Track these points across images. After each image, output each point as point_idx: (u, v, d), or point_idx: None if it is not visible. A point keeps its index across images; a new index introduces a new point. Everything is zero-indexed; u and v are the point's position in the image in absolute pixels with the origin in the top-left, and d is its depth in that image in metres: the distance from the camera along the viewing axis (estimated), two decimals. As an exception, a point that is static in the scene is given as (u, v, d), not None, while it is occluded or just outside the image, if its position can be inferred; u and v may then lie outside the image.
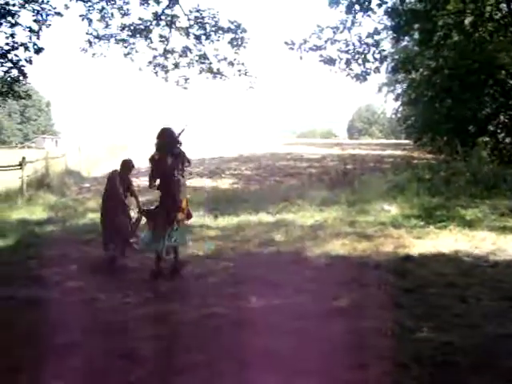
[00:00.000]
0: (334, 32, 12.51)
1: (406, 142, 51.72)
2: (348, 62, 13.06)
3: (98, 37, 11.91)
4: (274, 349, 4.33)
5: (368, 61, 13.08)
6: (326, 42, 12.37)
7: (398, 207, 11.47)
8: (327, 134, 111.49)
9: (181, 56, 12.38)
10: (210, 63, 12.45)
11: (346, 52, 12.84)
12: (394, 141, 65.56)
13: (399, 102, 50.40)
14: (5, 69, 11.31)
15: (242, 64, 12.46)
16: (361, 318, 5.14)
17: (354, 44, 12.70)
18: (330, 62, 12.60)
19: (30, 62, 11.27)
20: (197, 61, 12.31)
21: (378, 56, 13.21)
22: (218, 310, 5.43)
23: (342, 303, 5.64)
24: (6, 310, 5.59)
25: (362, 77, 13.84)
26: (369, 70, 13.43)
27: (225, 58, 12.45)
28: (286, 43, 12.00)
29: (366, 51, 12.90)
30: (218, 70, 12.53)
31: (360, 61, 13.07)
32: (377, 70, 13.94)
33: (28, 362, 4.24)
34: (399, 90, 55.00)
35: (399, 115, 51.81)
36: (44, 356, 4.32)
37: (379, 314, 5.24)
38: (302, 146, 45.44)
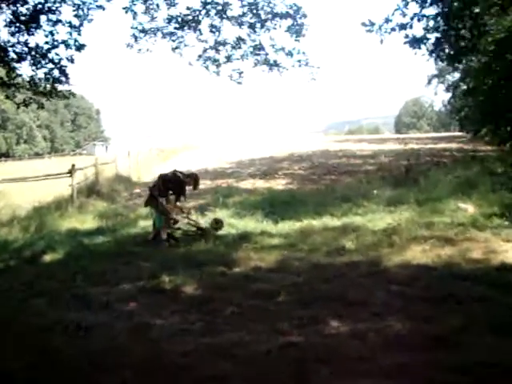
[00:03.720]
0: (422, 6, 10.72)
1: (458, 134, 49.81)
2: (438, 42, 11.29)
3: (143, 31, 11.08)
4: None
5: (463, 38, 11.28)
6: (411, 18, 10.75)
7: (474, 205, 10.32)
8: (374, 131, 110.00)
9: (233, 48, 11.33)
10: (266, 54, 11.36)
11: (436, 30, 11.21)
12: (444, 134, 63.47)
13: (450, 94, 48.66)
14: (46, 70, 10.67)
15: (303, 53, 11.34)
16: (471, 350, 4.17)
17: (446, 17, 10.69)
18: (417, 42, 10.91)
19: (71, 60, 10.62)
20: (251, 52, 11.28)
21: (476, 32, 11.22)
22: (295, 339, 4.56)
23: (441, 327, 4.66)
24: (52, 339, 4.88)
25: (454, 58, 12.32)
26: (464, 50, 11.64)
27: (282, 48, 11.38)
28: (363, 24, 10.60)
29: (460, 26, 10.96)
30: (274, 61, 11.41)
31: (452, 39, 11.26)
32: (474, 48, 12.18)
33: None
34: (450, 81, 53.34)
35: (449, 107, 50.12)
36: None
37: (493, 344, 4.25)
38: (351, 142, 44.21)
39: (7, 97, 12.14)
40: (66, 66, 10.74)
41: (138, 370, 4.09)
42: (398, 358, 4.05)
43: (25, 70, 12.61)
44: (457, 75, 51.42)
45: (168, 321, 5.25)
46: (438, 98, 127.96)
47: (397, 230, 8.48)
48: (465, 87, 40.16)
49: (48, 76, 10.54)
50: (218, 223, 9.62)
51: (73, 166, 15.87)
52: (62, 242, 9.46)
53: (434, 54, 12.46)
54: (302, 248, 7.88)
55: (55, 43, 10.46)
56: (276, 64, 11.49)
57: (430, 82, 59.92)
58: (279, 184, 19.56)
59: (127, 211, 14.45)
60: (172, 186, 9.70)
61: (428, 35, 11.25)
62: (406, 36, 10.84)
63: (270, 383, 3.87)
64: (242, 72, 11.82)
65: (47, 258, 8.40)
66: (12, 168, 42.87)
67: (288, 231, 9.26)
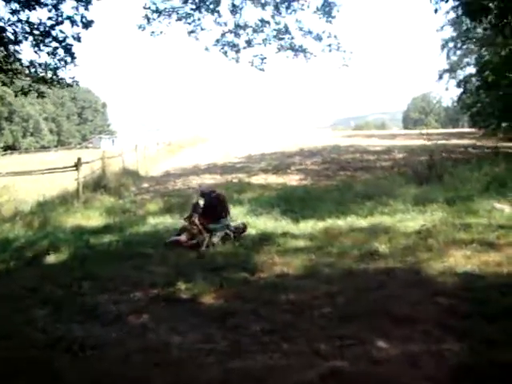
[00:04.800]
0: None
1: (467, 130, 48.79)
2: (502, 13, 10.13)
3: (157, 11, 10.21)
4: None
5: None
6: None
7: (510, 205, 9.59)
8: (381, 127, 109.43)
9: (255, 31, 10.36)
10: (292, 38, 10.44)
11: None
12: (453, 130, 62.57)
13: (461, 89, 47.71)
14: (49, 49, 9.69)
15: (335, 37, 10.41)
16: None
17: None
18: (478, 12, 9.80)
19: (78, 39, 9.67)
20: (274, 36, 10.34)
21: None
22: (340, 364, 3.86)
23: (510, 353, 3.95)
24: (53, 359, 4.20)
25: None
26: None
27: (310, 32, 10.47)
28: None
29: None
30: (301, 46, 10.47)
31: None
32: None
33: None
34: (461, 76, 52.40)
35: (460, 103, 49.18)
36: None
37: None
38: (361, 138, 43.38)
39: (3, 83, 11.15)
40: (71, 45, 9.86)
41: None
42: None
43: (25, 55, 11.53)
44: (468, 70, 50.63)
45: (187, 338, 4.55)
46: (446, 94, 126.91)
47: (432, 233, 7.73)
48: (477, 82, 39.44)
49: (52, 57, 9.60)
50: (245, 227, 8.90)
51: (79, 159, 15.21)
52: (66, 241, 8.77)
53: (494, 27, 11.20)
54: (330, 251, 7.14)
55: (60, 19, 9.52)
56: (302, 49, 10.55)
57: (441, 76, 58.73)
58: (292, 180, 18.89)
59: (135, 207, 13.81)
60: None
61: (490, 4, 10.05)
62: (464, 5, 9.76)
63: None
64: (264, 58, 10.91)
65: (50, 259, 7.72)
66: (17, 161, 42.34)
67: (311, 232, 8.52)
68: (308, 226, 9.13)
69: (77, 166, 15.03)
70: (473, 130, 44.97)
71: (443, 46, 54.26)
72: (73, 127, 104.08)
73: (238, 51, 10.86)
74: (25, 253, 8.12)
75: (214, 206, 8.81)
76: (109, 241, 8.69)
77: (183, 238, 8.16)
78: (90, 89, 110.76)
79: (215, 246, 7.93)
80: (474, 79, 43.28)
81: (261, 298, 5.41)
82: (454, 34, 50.73)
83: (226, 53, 10.89)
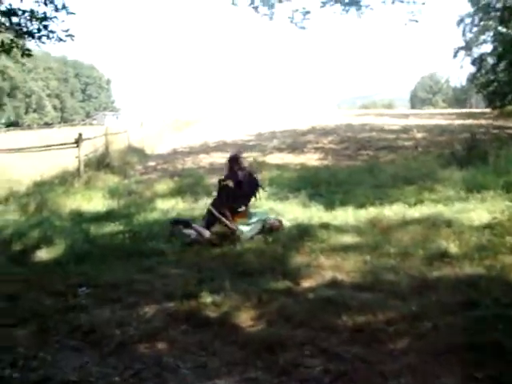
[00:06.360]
0: None
1: (478, 110, 47.04)
2: None
3: None
4: None
5: None
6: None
7: None
8: (388, 106, 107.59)
9: None
10: None
11: None
12: (463, 110, 60.69)
13: (475, 68, 45.96)
14: None
15: None
16: None
17: None
18: None
19: None
20: None
21: None
22: None
23: None
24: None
25: None
26: None
27: None
28: None
29: None
30: None
31: None
32: None
33: None
34: (475, 55, 50.57)
35: (471, 82, 47.62)
36: None
37: None
38: (372, 116, 41.69)
39: None
40: None
41: None
42: None
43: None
44: (484, 48, 48.76)
45: (221, 374, 3.20)
46: (453, 73, 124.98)
47: (506, 227, 6.31)
48: (492, 61, 37.91)
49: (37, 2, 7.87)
50: (281, 224, 7.17)
51: (80, 135, 13.81)
52: (62, 230, 7.37)
53: None
54: (388, 251, 5.70)
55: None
56: (356, 1, 8.69)
57: (456, 54, 56.75)
58: (311, 159, 17.59)
59: (142, 188, 12.48)
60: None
61: None
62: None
63: None
64: (307, 12, 9.13)
65: (42, 254, 6.34)
66: (18, 137, 40.87)
67: (355, 223, 7.09)
68: (347, 215, 7.71)
69: (77, 142, 13.65)
70: (485, 110, 43.31)
71: (460, 22, 52.31)
72: (77, 104, 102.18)
73: (271, 6, 9.14)
74: (12, 246, 6.76)
75: (244, 187, 7.35)
76: (112, 231, 7.30)
77: (207, 234, 6.69)
78: (94, 65, 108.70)
79: (242, 241, 6.51)
80: (489, 58, 41.74)
81: (315, 319, 4.03)
82: (472, 10, 48.82)
83: (256, 8, 9.21)
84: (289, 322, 3.99)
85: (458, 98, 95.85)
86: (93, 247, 6.36)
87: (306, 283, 4.90)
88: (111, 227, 7.56)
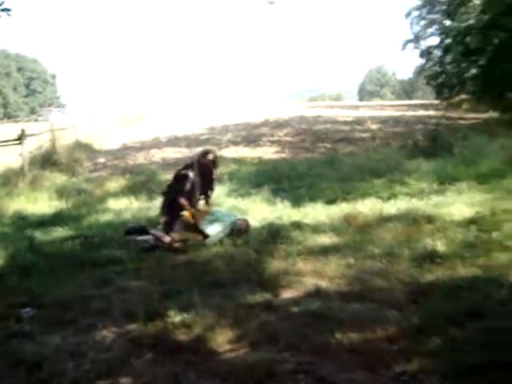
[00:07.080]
0: None
1: (426, 102, 47.73)
2: None
3: None
4: None
5: None
6: None
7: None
8: (337, 98, 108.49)
9: None
10: None
11: None
12: (413, 101, 61.61)
13: (423, 60, 46.62)
14: None
15: None
16: None
17: None
18: None
19: None
20: None
21: None
22: None
23: None
24: None
25: None
26: None
27: None
28: None
29: None
30: None
31: None
32: None
33: None
34: (423, 47, 51.32)
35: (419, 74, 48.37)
36: None
37: None
38: (323, 108, 41.50)
39: None
40: None
41: None
42: None
43: None
44: (432, 40, 49.41)
45: None
46: (400, 66, 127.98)
47: (490, 223, 5.89)
48: (439, 53, 38.46)
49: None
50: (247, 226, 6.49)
51: (22, 130, 12.83)
52: (3, 237, 6.57)
53: None
54: (371, 252, 5.17)
55: None
56: None
57: (404, 47, 57.47)
58: (268, 152, 17.13)
59: (92, 186, 11.71)
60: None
61: None
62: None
63: None
64: None
65: (-23, 267, 5.55)
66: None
67: (328, 221, 6.55)
68: (318, 212, 7.19)
69: (21, 138, 12.67)
70: (433, 101, 44.02)
71: (408, 15, 52.93)
72: (20, 99, 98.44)
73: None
74: None
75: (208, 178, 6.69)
76: (61, 237, 6.52)
77: (167, 239, 6.00)
78: (38, 59, 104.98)
79: (208, 244, 5.87)
80: (436, 51, 42.33)
81: (304, 339, 3.45)
82: (419, 3, 49.45)
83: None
84: (274, 345, 3.40)
85: (406, 91, 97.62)
86: (39, 257, 5.58)
87: (287, 294, 4.31)
88: (59, 232, 6.80)
